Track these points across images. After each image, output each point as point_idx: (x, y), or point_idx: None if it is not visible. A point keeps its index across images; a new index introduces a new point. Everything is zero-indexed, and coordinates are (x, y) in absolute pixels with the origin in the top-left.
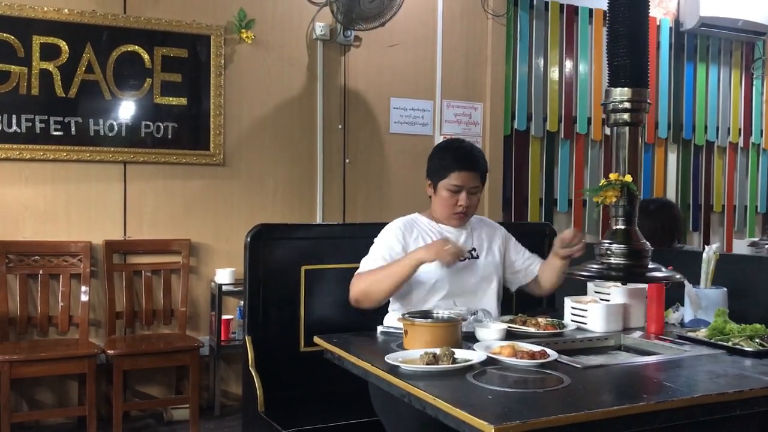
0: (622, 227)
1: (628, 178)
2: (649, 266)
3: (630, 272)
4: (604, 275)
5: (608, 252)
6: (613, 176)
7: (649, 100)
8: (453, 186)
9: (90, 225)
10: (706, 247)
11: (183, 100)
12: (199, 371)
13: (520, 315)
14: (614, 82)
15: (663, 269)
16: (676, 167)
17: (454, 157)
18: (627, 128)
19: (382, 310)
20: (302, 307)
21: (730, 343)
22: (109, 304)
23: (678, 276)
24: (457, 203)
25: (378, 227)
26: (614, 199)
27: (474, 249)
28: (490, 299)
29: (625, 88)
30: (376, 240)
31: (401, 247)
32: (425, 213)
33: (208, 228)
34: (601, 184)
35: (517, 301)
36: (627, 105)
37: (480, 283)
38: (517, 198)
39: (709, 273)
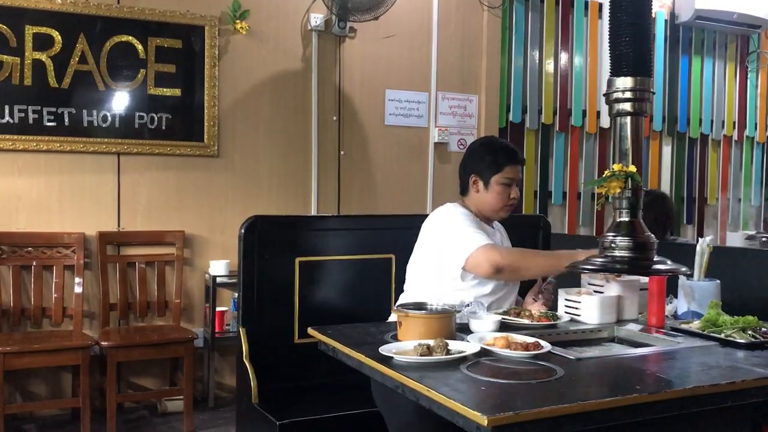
0: (626, 219)
1: (633, 168)
2: (655, 259)
3: (635, 265)
4: (609, 268)
5: (612, 245)
6: (616, 167)
7: (652, 89)
8: (507, 179)
9: (84, 216)
10: (699, 239)
11: (177, 91)
12: (194, 363)
13: (513, 307)
14: (616, 71)
15: (668, 262)
16: (671, 160)
17: (505, 151)
18: (629, 118)
19: (379, 301)
20: (296, 298)
21: (722, 335)
22: (102, 296)
23: (684, 269)
24: (509, 196)
25: (373, 219)
26: (618, 191)
27: None
28: (513, 293)
29: (628, 78)
30: (453, 226)
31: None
32: (461, 204)
33: (202, 219)
34: (605, 175)
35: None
36: (629, 95)
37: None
38: None
39: (702, 265)
